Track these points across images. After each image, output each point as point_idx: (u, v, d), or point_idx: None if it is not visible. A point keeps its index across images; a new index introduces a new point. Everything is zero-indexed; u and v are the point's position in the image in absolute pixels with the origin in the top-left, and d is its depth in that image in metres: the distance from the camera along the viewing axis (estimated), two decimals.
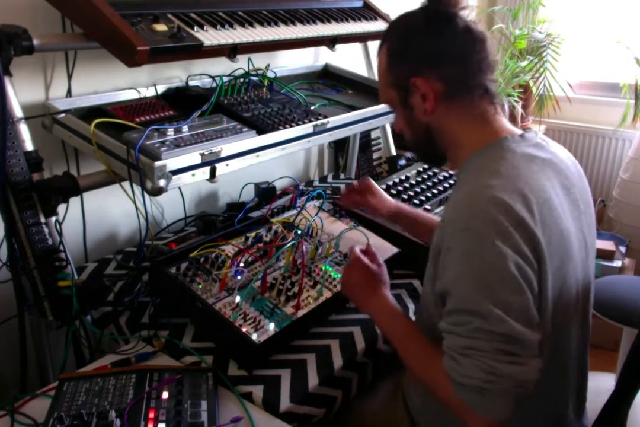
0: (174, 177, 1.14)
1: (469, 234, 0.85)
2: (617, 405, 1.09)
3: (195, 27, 1.29)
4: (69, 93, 1.40)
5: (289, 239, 1.32)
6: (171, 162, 1.13)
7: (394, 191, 1.79)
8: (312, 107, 1.61)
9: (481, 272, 0.83)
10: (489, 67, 0.98)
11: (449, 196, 1.03)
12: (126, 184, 1.19)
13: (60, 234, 1.18)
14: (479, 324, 0.82)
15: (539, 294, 0.87)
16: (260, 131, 1.34)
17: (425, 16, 0.98)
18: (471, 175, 0.94)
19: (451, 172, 1.89)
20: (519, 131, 0.99)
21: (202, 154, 1.18)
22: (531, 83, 3.05)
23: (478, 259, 0.83)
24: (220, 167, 1.23)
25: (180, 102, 1.46)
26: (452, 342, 0.86)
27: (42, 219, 1.16)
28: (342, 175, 2.23)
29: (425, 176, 1.86)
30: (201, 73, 1.63)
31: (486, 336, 0.82)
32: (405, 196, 1.76)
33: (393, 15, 1.86)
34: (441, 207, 1.69)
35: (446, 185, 1.81)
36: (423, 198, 1.71)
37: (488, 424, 0.85)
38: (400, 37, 1.01)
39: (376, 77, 2.04)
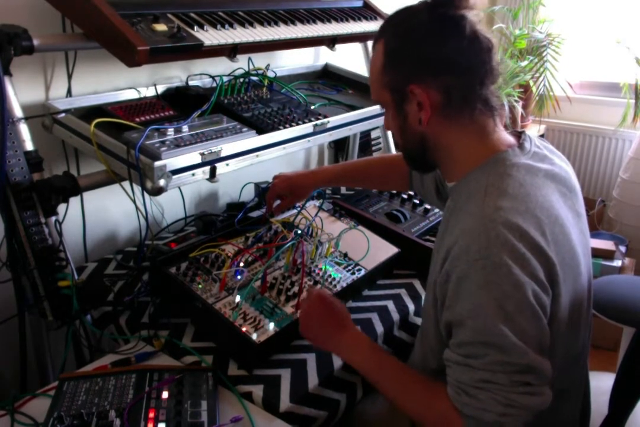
0: (174, 177, 1.14)
1: (486, 263, 0.81)
2: (616, 408, 1.09)
3: (195, 27, 1.29)
4: (69, 93, 1.40)
5: (289, 239, 1.32)
6: (171, 162, 1.13)
7: (393, 191, 1.79)
8: (312, 107, 1.61)
9: (500, 304, 0.80)
10: (492, 79, 0.91)
11: (450, 206, 1.00)
12: (126, 184, 1.19)
13: (60, 234, 1.18)
14: (496, 356, 0.80)
15: (552, 314, 0.87)
16: (260, 131, 1.34)
17: (430, 16, 0.89)
18: (477, 194, 0.88)
19: None
20: (515, 142, 0.96)
21: (202, 154, 1.18)
22: (531, 83, 3.05)
23: (496, 290, 0.80)
24: (220, 167, 1.23)
25: (180, 102, 1.46)
26: (465, 375, 0.83)
27: (42, 219, 1.16)
28: None
29: None
30: (201, 73, 1.63)
31: (504, 369, 0.80)
32: (405, 196, 1.76)
33: None
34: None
35: None
36: None
37: None
38: (400, 35, 0.92)
39: None
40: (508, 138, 0.96)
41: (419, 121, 0.92)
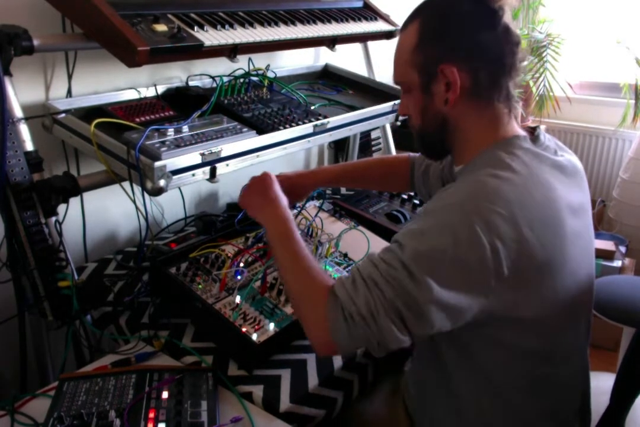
0: (174, 177, 1.14)
1: (458, 209, 0.84)
2: (617, 406, 1.09)
3: (196, 28, 1.29)
4: (69, 93, 1.40)
5: None
6: (171, 162, 1.13)
7: (393, 191, 1.79)
8: (312, 107, 1.61)
9: (441, 245, 0.82)
10: (516, 72, 0.96)
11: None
12: (126, 184, 1.19)
13: (60, 234, 1.18)
14: (404, 278, 0.81)
15: (529, 296, 0.87)
16: (261, 131, 1.34)
17: (470, 3, 0.93)
18: (480, 168, 0.92)
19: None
20: (528, 135, 0.98)
21: (202, 154, 1.18)
22: (531, 83, 3.05)
23: (449, 233, 0.82)
24: (221, 167, 1.23)
25: (181, 103, 1.46)
26: (367, 268, 0.86)
27: (42, 219, 1.16)
28: None
29: None
30: (201, 73, 1.63)
31: (399, 289, 0.81)
32: (405, 196, 1.76)
33: (393, 15, 1.87)
34: None
35: None
36: None
37: (327, 345, 0.87)
38: (439, 16, 0.94)
39: (376, 78, 2.04)
40: (520, 130, 0.99)
41: (445, 102, 0.94)
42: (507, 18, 0.93)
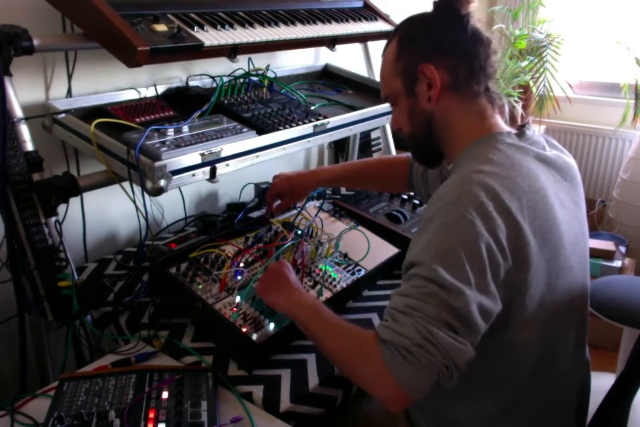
0: (174, 177, 1.14)
1: (452, 209, 0.86)
2: (615, 405, 1.08)
3: (196, 28, 1.29)
4: (69, 93, 1.40)
5: (289, 239, 1.32)
6: (171, 162, 1.13)
7: (393, 192, 1.78)
8: (312, 108, 1.61)
9: (452, 247, 0.83)
10: (492, 69, 1.00)
11: None
12: (126, 184, 1.19)
13: (60, 234, 1.18)
14: (436, 290, 0.81)
15: (524, 282, 0.88)
16: (261, 131, 1.34)
17: (438, 12, 1.00)
18: (464, 164, 0.95)
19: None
20: (515, 130, 1.01)
21: (202, 154, 1.18)
22: (531, 83, 3.05)
23: (454, 235, 0.84)
24: (221, 167, 1.23)
25: (181, 103, 1.46)
26: (399, 302, 0.84)
27: (42, 219, 1.16)
28: None
29: None
30: (201, 73, 1.63)
31: (437, 303, 0.80)
32: (405, 196, 1.76)
33: (393, 15, 1.87)
34: None
35: None
36: None
37: (399, 396, 0.81)
38: (414, 27, 1.02)
39: (376, 78, 2.04)
40: (505, 126, 1.02)
41: (428, 99, 0.99)
42: (476, 23, 1.00)
